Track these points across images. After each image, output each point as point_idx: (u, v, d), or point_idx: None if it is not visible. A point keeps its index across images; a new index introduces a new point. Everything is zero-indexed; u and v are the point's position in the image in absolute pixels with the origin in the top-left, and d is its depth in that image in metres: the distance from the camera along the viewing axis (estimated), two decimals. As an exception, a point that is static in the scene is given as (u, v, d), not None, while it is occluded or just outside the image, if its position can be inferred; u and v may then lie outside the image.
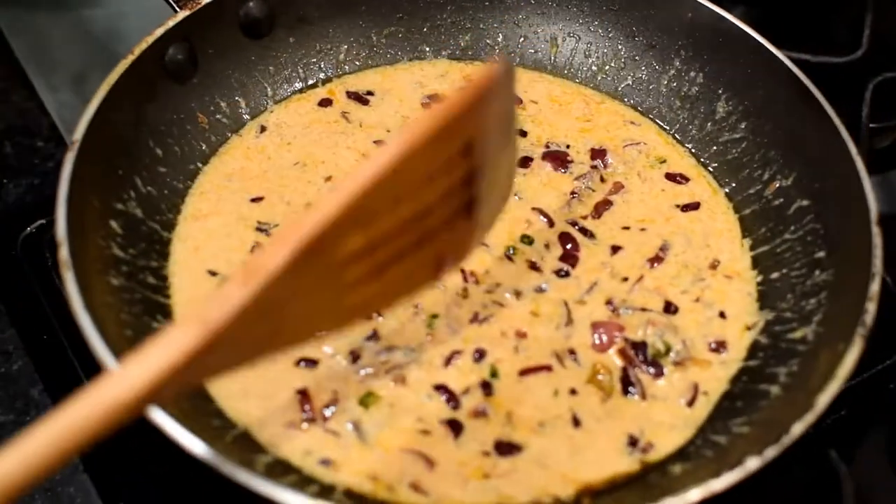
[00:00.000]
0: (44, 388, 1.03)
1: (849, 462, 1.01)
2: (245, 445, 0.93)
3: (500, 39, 1.33)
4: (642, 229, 1.15)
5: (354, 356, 1.00)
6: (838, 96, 1.13)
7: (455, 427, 0.96)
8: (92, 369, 1.01)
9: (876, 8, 1.38)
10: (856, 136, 1.09)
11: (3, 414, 1.00)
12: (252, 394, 0.96)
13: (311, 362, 0.99)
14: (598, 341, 1.04)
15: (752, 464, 0.85)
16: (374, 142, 1.20)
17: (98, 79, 1.04)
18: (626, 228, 1.15)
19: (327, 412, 0.96)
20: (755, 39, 1.19)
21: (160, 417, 0.82)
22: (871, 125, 1.24)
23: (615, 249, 1.13)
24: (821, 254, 1.08)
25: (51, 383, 1.04)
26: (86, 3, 1.44)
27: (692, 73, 1.26)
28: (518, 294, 1.07)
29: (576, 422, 0.98)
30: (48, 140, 1.28)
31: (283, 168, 1.17)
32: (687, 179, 1.21)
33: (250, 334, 0.71)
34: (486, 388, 0.99)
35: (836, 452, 1.00)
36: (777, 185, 1.16)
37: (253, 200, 1.13)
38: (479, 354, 1.01)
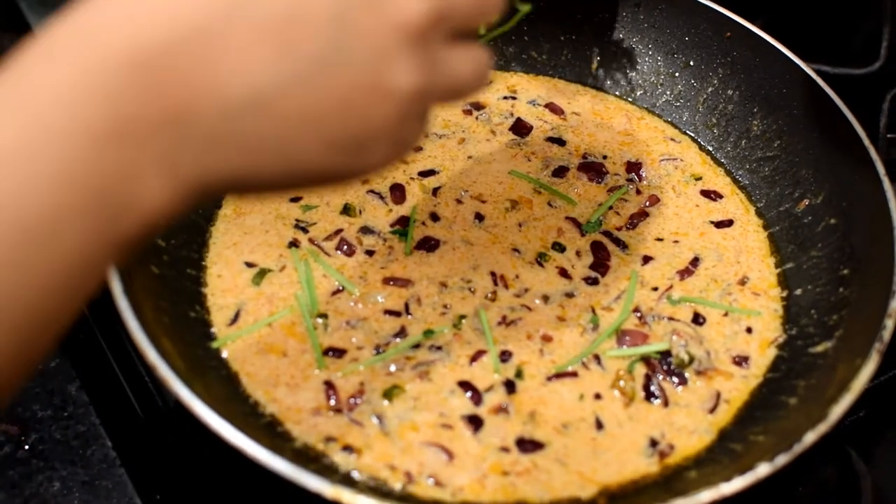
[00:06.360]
0: (80, 384, 1.05)
1: (868, 461, 1.02)
2: (273, 432, 0.96)
3: (544, 52, 1.36)
4: (675, 241, 1.17)
5: (381, 351, 1.02)
6: (856, 107, 1.15)
7: (475, 422, 0.98)
8: (128, 367, 1.05)
9: (894, 20, 1.39)
10: (874, 146, 1.11)
11: (41, 409, 1.03)
12: (281, 382, 0.99)
13: (340, 352, 1.02)
14: (622, 348, 1.06)
15: (763, 470, 0.87)
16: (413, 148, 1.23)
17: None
18: (660, 240, 1.17)
19: (353, 402, 0.98)
20: (790, 59, 1.21)
21: (195, 404, 0.86)
22: (888, 135, 1.25)
23: (646, 259, 1.14)
24: (845, 271, 1.09)
25: (87, 380, 1.06)
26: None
27: (729, 92, 1.28)
28: (546, 299, 1.09)
29: (598, 424, 0.99)
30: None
31: (323, 169, 1.19)
32: (720, 196, 1.22)
33: None
34: (510, 386, 1.01)
35: (856, 452, 1.01)
36: (807, 203, 1.17)
37: (292, 200, 1.16)
38: (505, 356, 1.04)
